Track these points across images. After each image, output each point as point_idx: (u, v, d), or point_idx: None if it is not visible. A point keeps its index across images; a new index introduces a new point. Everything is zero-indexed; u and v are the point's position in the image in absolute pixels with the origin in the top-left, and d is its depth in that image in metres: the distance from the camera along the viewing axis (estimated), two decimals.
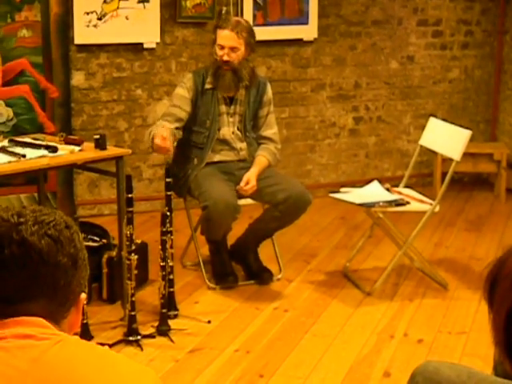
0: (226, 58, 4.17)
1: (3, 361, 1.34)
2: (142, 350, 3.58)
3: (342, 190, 4.44)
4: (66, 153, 3.78)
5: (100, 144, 3.87)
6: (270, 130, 4.39)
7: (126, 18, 5.31)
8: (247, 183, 4.14)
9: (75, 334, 1.50)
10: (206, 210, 4.06)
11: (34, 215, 1.44)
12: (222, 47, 4.18)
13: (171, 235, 3.89)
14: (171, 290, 3.92)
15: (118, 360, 1.42)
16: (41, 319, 1.40)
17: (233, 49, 4.16)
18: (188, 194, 4.33)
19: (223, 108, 4.30)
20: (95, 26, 5.23)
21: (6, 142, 3.88)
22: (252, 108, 4.34)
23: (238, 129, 4.33)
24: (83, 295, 1.49)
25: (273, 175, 4.28)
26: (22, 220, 1.42)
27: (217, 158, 4.30)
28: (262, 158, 4.28)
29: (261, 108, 4.37)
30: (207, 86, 4.26)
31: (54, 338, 1.38)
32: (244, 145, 4.35)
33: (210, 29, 5.05)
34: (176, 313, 3.94)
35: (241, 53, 4.18)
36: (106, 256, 4.10)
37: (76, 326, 1.50)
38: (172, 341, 3.68)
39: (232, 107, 4.31)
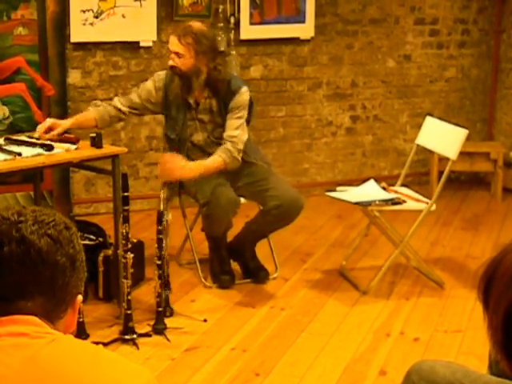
0: (170, 62, 4.15)
1: None
2: (137, 348, 3.58)
3: (339, 188, 4.44)
4: (62, 151, 3.77)
5: (96, 142, 3.87)
6: (229, 132, 4.15)
7: (123, 16, 5.30)
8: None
9: (71, 332, 1.50)
10: (207, 206, 4.05)
11: (33, 215, 1.45)
12: (171, 52, 4.16)
13: (167, 233, 3.89)
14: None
15: (113, 359, 1.42)
16: (35, 318, 1.40)
17: (177, 54, 4.11)
18: (182, 191, 4.32)
19: (193, 113, 4.23)
20: (92, 24, 5.22)
21: (1, 140, 3.87)
22: (224, 116, 4.21)
23: (213, 136, 4.25)
24: (80, 297, 1.50)
25: (267, 177, 4.26)
26: (22, 219, 1.43)
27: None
28: (214, 157, 4.10)
29: (227, 114, 4.20)
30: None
31: (47, 336, 1.38)
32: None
33: None
34: (172, 311, 3.94)
35: (186, 59, 4.08)
36: (102, 254, 4.10)
37: (71, 327, 1.51)
38: (168, 339, 3.68)
39: (202, 115, 4.23)
